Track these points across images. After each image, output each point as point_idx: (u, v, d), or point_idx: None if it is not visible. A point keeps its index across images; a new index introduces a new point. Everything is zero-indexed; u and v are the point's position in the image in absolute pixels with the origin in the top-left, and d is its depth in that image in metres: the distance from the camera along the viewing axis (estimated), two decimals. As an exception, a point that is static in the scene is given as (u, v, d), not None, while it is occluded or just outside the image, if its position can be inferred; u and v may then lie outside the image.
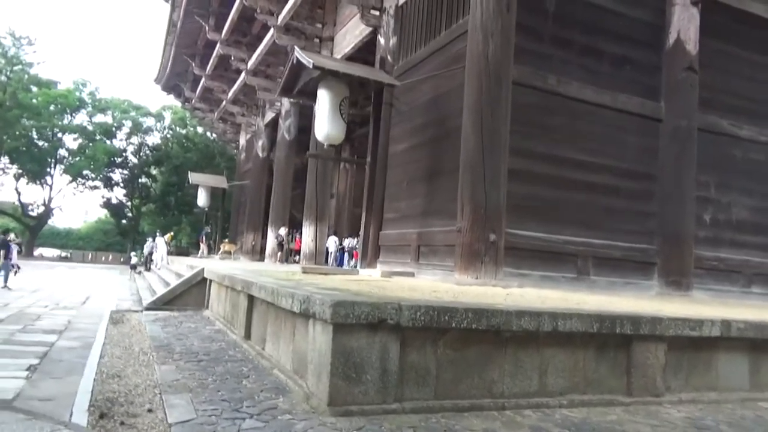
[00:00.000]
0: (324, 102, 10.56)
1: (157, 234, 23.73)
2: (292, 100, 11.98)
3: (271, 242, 22.02)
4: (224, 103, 27.95)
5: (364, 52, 15.68)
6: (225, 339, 7.93)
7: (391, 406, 4.58)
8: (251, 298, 7.55)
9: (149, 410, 4.42)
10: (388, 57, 13.18)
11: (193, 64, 26.53)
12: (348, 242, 18.62)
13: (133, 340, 7.61)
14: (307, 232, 17.87)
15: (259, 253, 25.65)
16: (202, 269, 11.56)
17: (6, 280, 14.20)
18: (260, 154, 26.35)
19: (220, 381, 5.36)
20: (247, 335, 7.54)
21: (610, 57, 11.02)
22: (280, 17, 17.67)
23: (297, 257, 21.43)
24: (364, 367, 4.55)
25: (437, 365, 4.87)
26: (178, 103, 39.77)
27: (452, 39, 11.00)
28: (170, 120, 40.75)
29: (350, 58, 17.38)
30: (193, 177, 28.18)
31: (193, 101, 31.22)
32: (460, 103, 10.47)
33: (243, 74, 23.42)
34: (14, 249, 14.89)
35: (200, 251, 24.01)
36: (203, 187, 28.26)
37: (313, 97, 11.39)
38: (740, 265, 12.14)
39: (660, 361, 5.81)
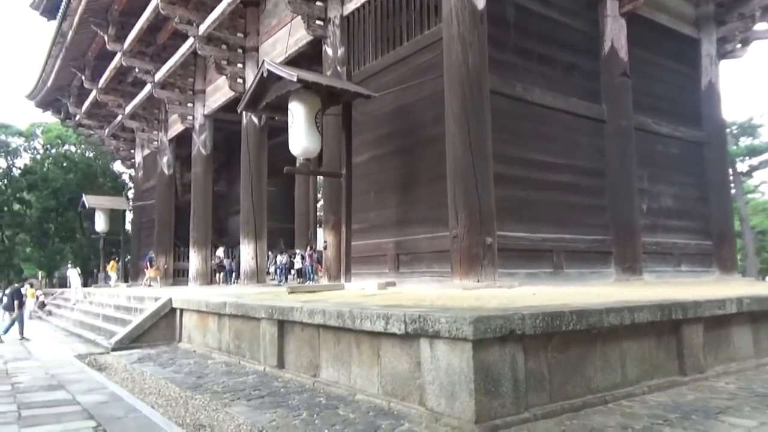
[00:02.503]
0: (299, 115, 10.24)
1: (69, 265, 21.32)
2: (253, 113, 11.41)
3: (195, 264, 20.75)
4: (120, 118, 25.85)
5: (301, 62, 15.37)
6: (247, 371, 7.48)
7: (524, 415, 4.66)
8: (281, 325, 7.18)
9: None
10: (338, 67, 13.05)
11: (83, 77, 24.23)
12: (300, 256, 18.07)
13: (150, 384, 6.91)
14: (246, 250, 17.12)
15: (172, 277, 24.06)
16: (170, 300, 10.70)
17: (22, 332, 12.71)
18: (166, 171, 24.72)
19: (313, 416, 5.08)
20: (281, 364, 7.15)
21: (561, 64, 11.84)
22: (203, 27, 16.77)
23: (230, 279, 20.43)
24: (500, 380, 4.59)
25: (549, 369, 5.02)
26: (50, 120, 36.15)
27: (417, 50, 11.18)
28: (44, 139, 36.79)
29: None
30: (89, 200, 25.75)
31: (78, 117, 28.48)
32: (433, 113, 10.74)
33: (148, 87, 21.86)
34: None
35: (146, 278, 21.94)
36: (101, 210, 25.96)
37: (281, 110, 11.02)
38: (671, 247, 13.59)
39: (700, 341, 6.41)
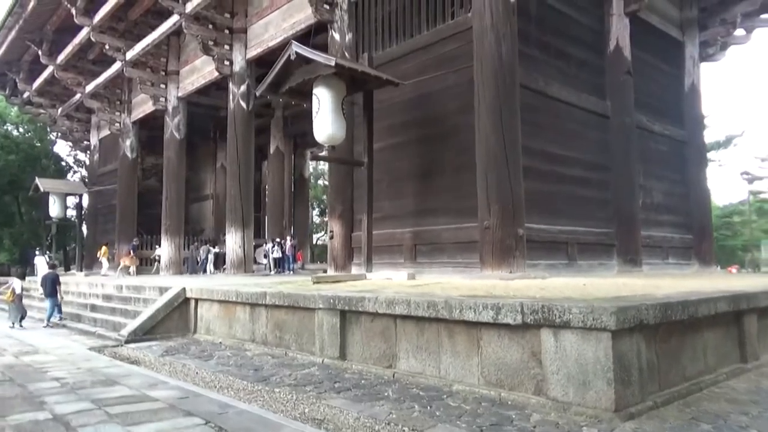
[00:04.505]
0: (326, 102, 9.93)
1: (37, 252, 19.85)
2: (280, 99, 10.98)
3: (167, 253, 19.89)
4: (78, 96, 24.30)
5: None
6: (301, 362, 7.27)
7: (648, 403, 4.76)
8: (344, 315, 7.00)
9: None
10: (345, 53, 12.79)
11: (39, 52, 22.57)
12: (278, 245, 17.67)
13: (211, 378, 6.58)
14: (233, 239, 16.57)
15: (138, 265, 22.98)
16: (183, 290, 10.23)
17: (60, 311, 12.66)
18: (129, 155, 23.50)
19: (426, 407, 5.01)
20: (342, 356, 6.98)
21: (574, 60, 12.09)
22: (190, 5, 16.01)
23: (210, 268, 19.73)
24: (630, 370, 4.67)
25: (657, 359, 5.14)
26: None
27: (440, 39, 11.10)
28: (-20, 117, 34.12)
29: (279, 50, 16.44)
30: (44, 183, 24.07)
31: (27, 94, 26.57)
32: (457, 103, 10.73)
33: (116, 65, 20.69)
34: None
35: (120, 266, 20.62)
36: (55, 194, 24.35)
37: (302, 95, 10.68)
38: (661, 241, 14.22)
39: (755, 330, 6.74)
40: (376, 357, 6.61)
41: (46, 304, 12.73)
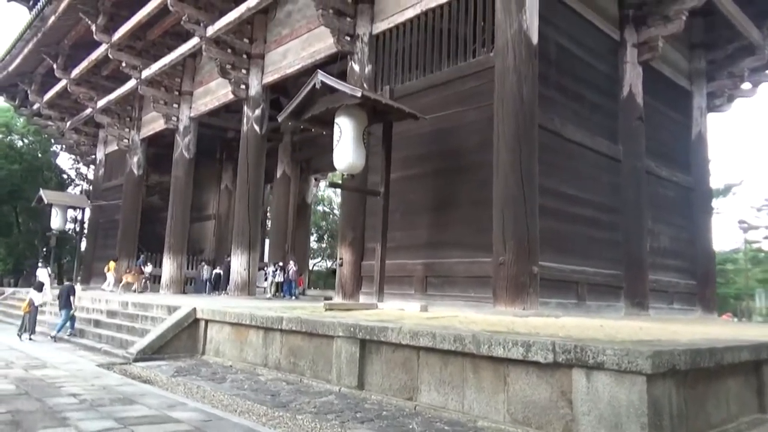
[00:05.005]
0: (348, 131, 10.10)
1: (39, 263, 19.67)
2: (295, 125, 11.12)
3: (168, 271, 19.80)
4: (89, 111, 24.47)
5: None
6: (317, 390, 7.22)
7: (677, 449, 4.74)
8: (363, 344, 7.00)
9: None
10: (364, 84, 13.02)
11: (55, 65, 22.81)
12: (281, 269, 17.63)
13: (229, 401, 6.52)
14: (239, 261, 16.54)
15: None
16: (193, 310, 10.19)
17: (72, 326, 12.44)
18: (135, 172, 23.57)
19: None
20: (360, 385, 6.95)
21: (588, 103, 12.36)
22: (211, 29, 16.31)
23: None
24: (662, 414, 4.68)
25: (685, 405, 5.16)
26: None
27: (461, 76, 11.35)
28: (-12, 126, 34.15)
29: (295, 77, 16.80)
30: (48, 195, 24.05)
31: (38, 106, 26.72)
32: (476, 139, 10.92)
33: (131, 82, 20.92)
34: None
35: (122, 283, 20.41)
36: (58, 206, 24.31)
37: (324, 124, 10.84)
38: (667, 285, 14.30)
39: (771, 380, 6.77)
40: (396, 388, 6.58)
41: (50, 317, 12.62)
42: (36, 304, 12.34)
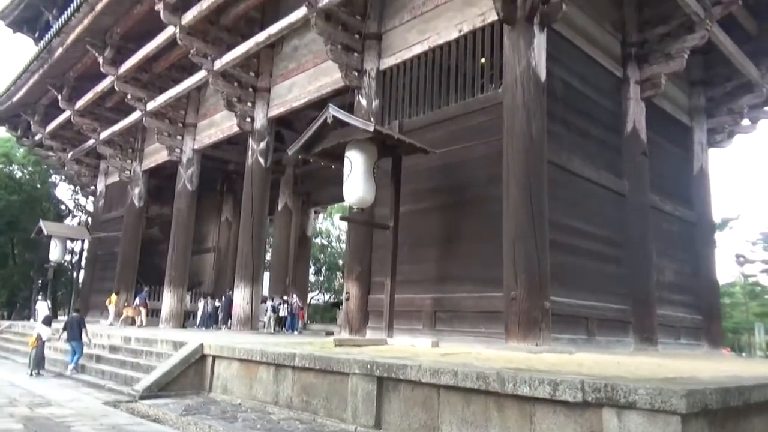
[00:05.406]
0: (358, 165, 10.14)
1: (39, 297, 19.39)
2: (304, 157, 11.15)
3: (168, 305, 19.57)
4: (91, 142, 24.54)
5: (322, 108, 15.33)
6: (329, 429, 7.08)
7: (712, 493, 4.64)
8: (381, 382, 6.88)
9: None
10: (371, 118, 13.12)
11: (59, 96, 22.96)
12: (285, 304, 17.46)
13: (242, 441, 6.37)
14: (242, 295, 16.38)
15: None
16: (200, 346, 10.03)
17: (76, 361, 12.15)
18: (136, 203, 23.53)
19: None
20: (378, 425, 6.81)
21: (594, 138, 12.50)
22: (218, 63, 16.51)
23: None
24: (696, 457, 4.57)
25: (714, 445, 5.07)
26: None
27: (468, 111, 11.49)
28: (-13, 156, 34.16)
29: (300, 111, 16.98)
30: (48, 227, 23.90)
31: (40, 137, 26.78)
32: (485, 173, 10.99)
33: (135, 114, 21.04)
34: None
35: (122, 317, 20.15)
36: (57, 238, 24.14)
37: (334, 158, 10.89)
38: (674, 320, 14.24)
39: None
40: (416, 428, 6.45)
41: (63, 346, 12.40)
42: (44, 339, 12.13)
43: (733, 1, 12.91)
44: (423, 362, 6.51)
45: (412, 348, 9.47)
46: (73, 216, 38.45)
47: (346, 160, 10.37)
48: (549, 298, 9.69)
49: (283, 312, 17.29)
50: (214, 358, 9.93)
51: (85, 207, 37.90)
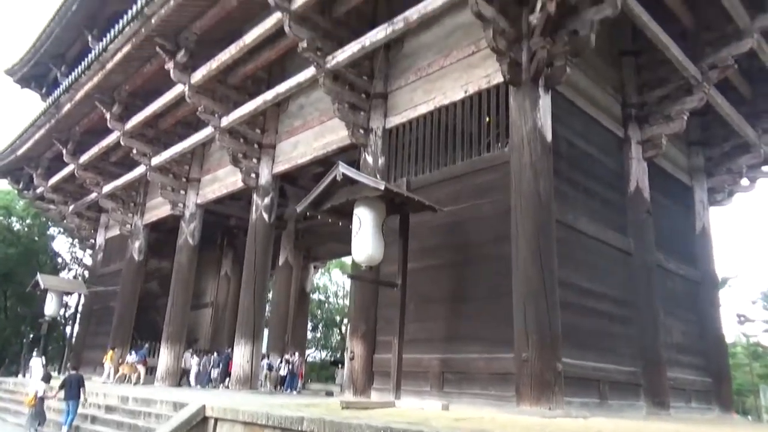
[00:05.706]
0: (367, 222, 10.12)
1: (34, 353, 18.92)
2: (313, 213, 11.16)
3: (164, 362, 19.10)
4: (94, 195, 24.58)
5: (326, 165, 15.52)
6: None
7: None
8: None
9: None
10: (377, 175, 13.21)
11: (64, 151, 23.17)
12: (286, 362, 17.07)
13: None
14: (242, 353, 16.02)
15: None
16: (203, 407, 9.72)
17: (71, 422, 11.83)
18: (136, 257, 23.32)
19: None
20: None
21: (599, 197, 12.59)
22: (225, 120, 16.77)
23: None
24: None
25: None
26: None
27: (475, 170, 11.59)
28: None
29: (305, 167, 17.16)
30: (45, 280, 23.61)
31: (42, 190, 26.85)
32: (492, 232, 10.98)
33: (139, 169, 21.19)
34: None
35: (117, 375, 19.61)
36: (54, 292, 23.82)
37: (342, 215, 10.90)
38: (684, 383, 13.93)
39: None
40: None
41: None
42: (40, 395, 11.77)
43: (728, 66, 13.29)
44: (438, 429, 6.29)
45: (422, 411, 9.18)
46: (69, 269, 38.14)
47: (354, 218, 10.36)
48: (561, 360, 9.49)
49: (283, 371, 16.86)
50: (216, 420, 9.58)
51: (81, 260, 37.68)
